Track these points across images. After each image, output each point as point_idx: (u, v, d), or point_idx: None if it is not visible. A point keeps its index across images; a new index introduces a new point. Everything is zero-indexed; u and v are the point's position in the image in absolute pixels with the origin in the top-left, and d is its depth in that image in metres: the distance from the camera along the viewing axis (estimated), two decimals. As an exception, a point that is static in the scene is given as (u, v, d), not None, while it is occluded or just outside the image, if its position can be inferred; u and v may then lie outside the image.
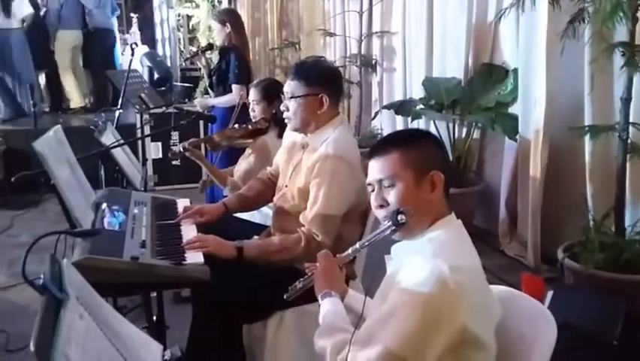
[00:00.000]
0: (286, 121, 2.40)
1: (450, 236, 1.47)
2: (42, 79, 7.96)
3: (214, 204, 2.61)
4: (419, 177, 1.49)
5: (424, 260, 1.38)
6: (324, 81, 2.31)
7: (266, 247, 2.24)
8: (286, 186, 2.41)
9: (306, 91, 2.28)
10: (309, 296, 1.74)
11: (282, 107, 2.39)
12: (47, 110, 7.79)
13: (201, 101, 4.67)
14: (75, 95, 7.70)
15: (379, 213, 1.54)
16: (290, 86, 2.32)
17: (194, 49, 5.89)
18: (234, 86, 4.18)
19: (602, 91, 3.16)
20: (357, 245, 1.66)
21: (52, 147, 2.16)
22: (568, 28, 2.94)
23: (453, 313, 1.31)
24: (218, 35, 4.42)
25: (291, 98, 2.31)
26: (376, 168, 1.53)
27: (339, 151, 2.22)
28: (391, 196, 1.49)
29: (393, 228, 1.47)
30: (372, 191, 1.55)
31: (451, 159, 4.34)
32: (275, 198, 2.50)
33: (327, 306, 1.62)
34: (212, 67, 4.52)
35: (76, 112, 7.66)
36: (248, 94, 4.05)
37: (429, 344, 1.30)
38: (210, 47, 4.69)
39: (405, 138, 1.60)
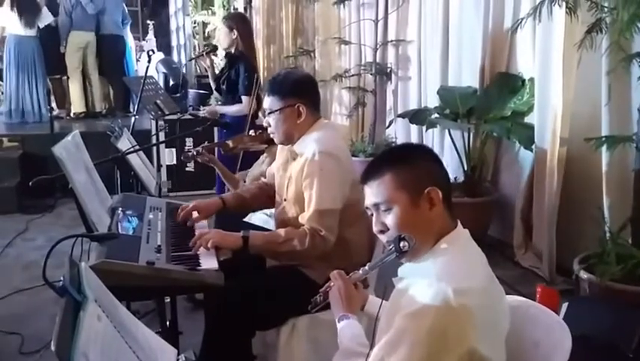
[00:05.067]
0: (272, 136, 2.44)
1: (455, 254, 1.44)
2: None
3: (210, 199, 2.61)
4: (415, 196, 1.45)
5: (428, 284, 1.36)
6: (297, 91, 2.35)
7: (272, 238, 2.25)
8: (285, 199, 2.42)
9: (282, 104, 2.32)
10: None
11: (264, 124, 2.43)
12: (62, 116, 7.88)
13: (210, 110, 4.69)
14: (77, 101, 7.77)
15: (382, 238, 1.51)
16: (267, 103, 2.37)
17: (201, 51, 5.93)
18: (244, 98, 4.22)
19: (620, 102, 3.14)
20: (367, 267, 1.66)
21: (71, 151, 2.19)
22: (585, 39, 2.93)
23: (460, 337, 1.30)
24: (224, 39, 4.45)
25: (270, 113, 2.35)
26: (371, 193, 1.50)
27: (323, 147, 2.25)
28: (389, 220, 1.46)
29: (397, 254, 1.44)
30: (372, 215, 1.52)
31: (465, 169, 4.34)
32: (275, 213, 2.53)
33: (344, 329, 1.61)
34: (216, 69, 4.54)
35: (79, 118, 7.74)
36: (258, 105, 4.12)
37: None
38: (215, 48, 4.71)
39: (396, 157, 1.55)
